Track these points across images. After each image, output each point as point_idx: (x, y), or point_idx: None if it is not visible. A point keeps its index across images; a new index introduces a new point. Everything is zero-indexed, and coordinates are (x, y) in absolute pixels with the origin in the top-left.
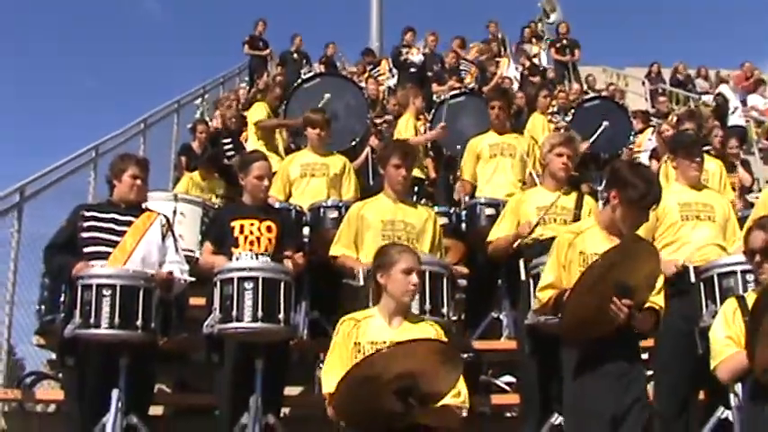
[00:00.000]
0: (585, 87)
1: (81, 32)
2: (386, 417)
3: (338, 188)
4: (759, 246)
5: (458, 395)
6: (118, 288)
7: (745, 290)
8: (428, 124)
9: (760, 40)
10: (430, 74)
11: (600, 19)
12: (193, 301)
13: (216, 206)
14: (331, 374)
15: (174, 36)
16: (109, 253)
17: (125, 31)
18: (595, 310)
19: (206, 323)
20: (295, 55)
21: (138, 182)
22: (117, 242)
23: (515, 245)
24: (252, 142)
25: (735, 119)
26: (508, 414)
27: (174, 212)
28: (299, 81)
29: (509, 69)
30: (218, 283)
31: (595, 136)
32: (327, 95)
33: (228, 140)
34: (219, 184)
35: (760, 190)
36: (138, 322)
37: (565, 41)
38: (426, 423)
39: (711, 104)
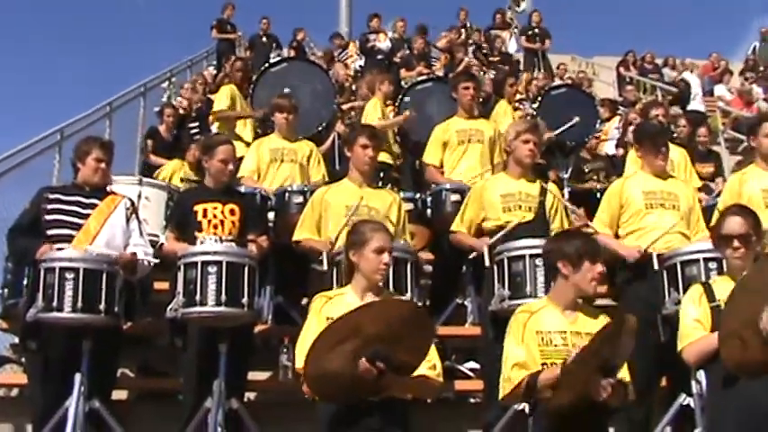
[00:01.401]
0: (555, 76)
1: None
2: (359, 387)
3: (306, 174)
4: (739, 231)
5: (433, 368)
6: (81, 271)
7: (708, 278)
8: (396, 110)
9: (728, 31)
10: (398, 60)
11: (569, 7)
12: (157, 285)
13: (180, 190)
14: (304, 350)
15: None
16: (73, 236)
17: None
18: (580, 392)
19: (169, 307)
20: (264, 38)
21: (103, 165)
22: (81, 225)
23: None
24: (216, 128)
25: (695, 104)
26: (472, 400)
27: (139, 196)
28: (267, 65)
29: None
30: (182, 267)
31: (563, 129)
32: (287, 90)
33: (195, 124)
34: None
35: (725, 180)
36: (102, 306)
37: (537, 30)
38: (401, 395)
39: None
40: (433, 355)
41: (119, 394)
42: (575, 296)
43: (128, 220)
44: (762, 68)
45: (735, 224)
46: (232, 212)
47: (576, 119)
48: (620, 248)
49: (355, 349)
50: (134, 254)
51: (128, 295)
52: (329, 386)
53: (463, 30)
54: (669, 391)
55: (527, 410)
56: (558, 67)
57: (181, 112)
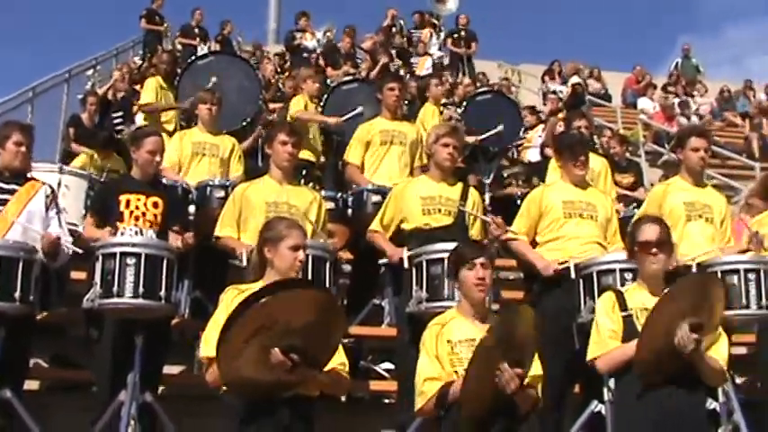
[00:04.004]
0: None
1: None
2: (273, 383)
3: (227, 169)
4: (657, 238)
5: (343, 365)
6: None
7: (623, 286)
8: (319, 108)
9: (654, 46)
10: (324, 59)
11: (497, 13)
12: (74, 274)
13: (102, 180)
14: (212, 340)
15: None
16: None
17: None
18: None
19: (86, 297)
20: (196, 29)
21: (23, 148)
22: None
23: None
24: (140, 119)
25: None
26: (386, 400)
27: (59, 185)
28: (193, 58)
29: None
30: (100, 258)
31: (487, 135)
32: (214, 79)
33: (119, 113)
34: (119, 164)
35: (646, 191)
36: (17, 294)
37: (462, 33)
38: (312, 391)
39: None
40: (342, 352)
41: (30, 384)
42: (473, 304)
43: (47, 208)
44: (683, 84)
45: (652, 231)
46: (155, 205)
47: (501, 128)
48: (536, 260)
49: (268, 341)
50: (58, 237)
51: (44, 284)
52: (242, 383)
53: (392, 29)
54: (581, 398)
55: (440, 414)
56: (477, 76)
57: (108, 96)
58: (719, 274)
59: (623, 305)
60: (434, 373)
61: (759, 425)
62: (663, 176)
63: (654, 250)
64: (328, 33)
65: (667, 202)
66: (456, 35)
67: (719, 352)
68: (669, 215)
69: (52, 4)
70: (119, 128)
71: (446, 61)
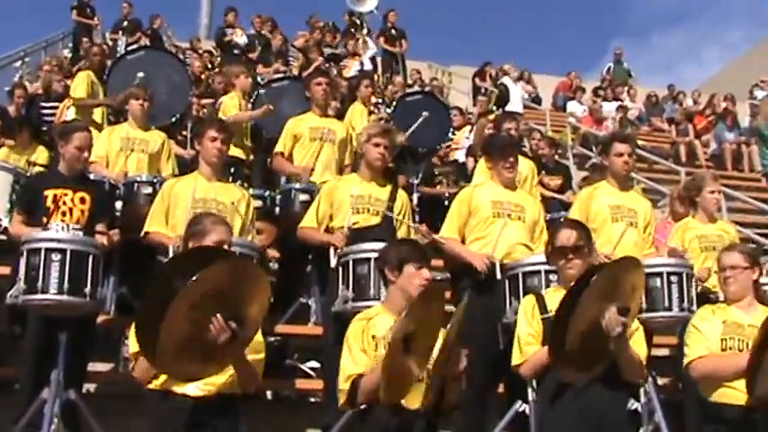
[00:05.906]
0: (411, 82)
1: None
2: (208, 351)
3: (156, 165)
4: (572, 243)
5: (260, 361)
6: None
7: (548, 288)
8: (250, 105)
9: (585, 48)
10: (255, 56)
11: (428, 14)
12: None
13: (29, 173)
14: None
15: None
16: None
17: None
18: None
19: (9, 293)
20: (125, 23)
21: None
22: None
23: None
24: (71, 113)
25: (513, 106)
26: (312, 399)
27: None
28: (123, 53)
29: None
30: (25, 253)
31: (415, 125)
32: (140, 74)
33: (51, 104)
34: (42, 155)
35: (574, 194)
36: None
37: (393, 31)
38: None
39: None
40: (261, 348)
41: None
42: (405, 301)
43: None
44: (616, 87)
45: (567, 236)
46: (82, 201)
47: (426, 114)
48: (467, 255)
49: (201, 313)
50: None
51: None
52: (174, 360)
53: (320, 29)
54: (506, 398)
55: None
56: (411, 74)
57: (40, 92)
58: None
59: (543, 308)
60: (357, 370)
61: (679, 425)
62: (583, 179)
63: (570, 255)
64: (256, 25)
65: (593, 206)
66: (387, 33)
67: (639, 347)
68: (595, 217)
69: None
70: (47, 119)
71: (379, 61)
